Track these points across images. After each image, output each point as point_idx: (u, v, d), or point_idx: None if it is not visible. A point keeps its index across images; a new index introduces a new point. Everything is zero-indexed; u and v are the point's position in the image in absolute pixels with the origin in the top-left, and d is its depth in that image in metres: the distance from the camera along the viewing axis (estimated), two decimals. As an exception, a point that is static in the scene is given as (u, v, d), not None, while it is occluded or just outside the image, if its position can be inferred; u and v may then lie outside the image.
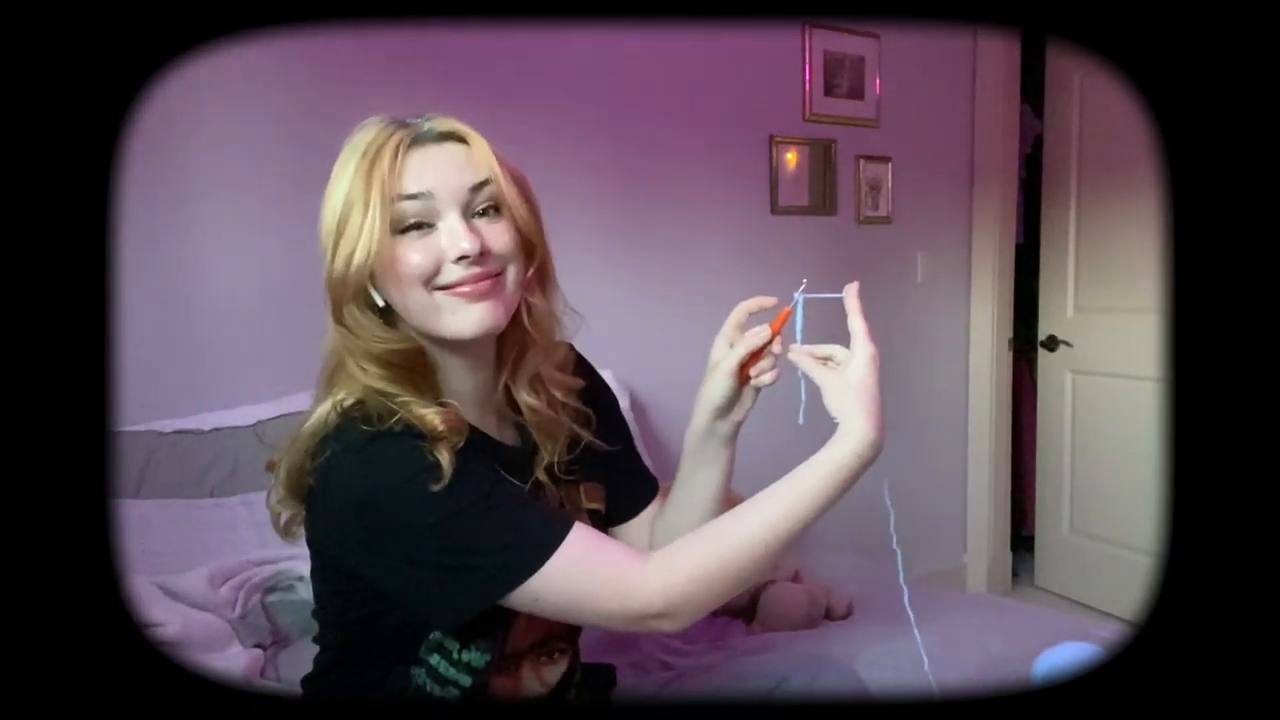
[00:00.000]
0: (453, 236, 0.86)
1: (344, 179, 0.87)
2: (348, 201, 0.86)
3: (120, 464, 1.54)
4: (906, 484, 2.98)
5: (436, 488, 0.82)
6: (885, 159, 2.80)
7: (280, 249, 1.88)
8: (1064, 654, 1.22)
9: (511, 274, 0.91)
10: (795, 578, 1.77)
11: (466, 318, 0.88)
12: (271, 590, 1.47)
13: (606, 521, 1.08)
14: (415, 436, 0.84)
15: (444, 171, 0.88)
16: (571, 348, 1.07)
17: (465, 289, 0.87)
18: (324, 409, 0.89)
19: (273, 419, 1.71)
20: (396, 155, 0.86)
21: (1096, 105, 2.87)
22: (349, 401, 0.88)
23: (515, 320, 0.94)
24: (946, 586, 2.77)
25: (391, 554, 0.85)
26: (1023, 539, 3.31)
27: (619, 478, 1.09)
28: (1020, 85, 3.06)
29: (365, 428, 0.85)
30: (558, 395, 1.00)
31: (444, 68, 2.03)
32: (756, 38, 2.51)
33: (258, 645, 1.38)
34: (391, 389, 0.87)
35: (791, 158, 2.60)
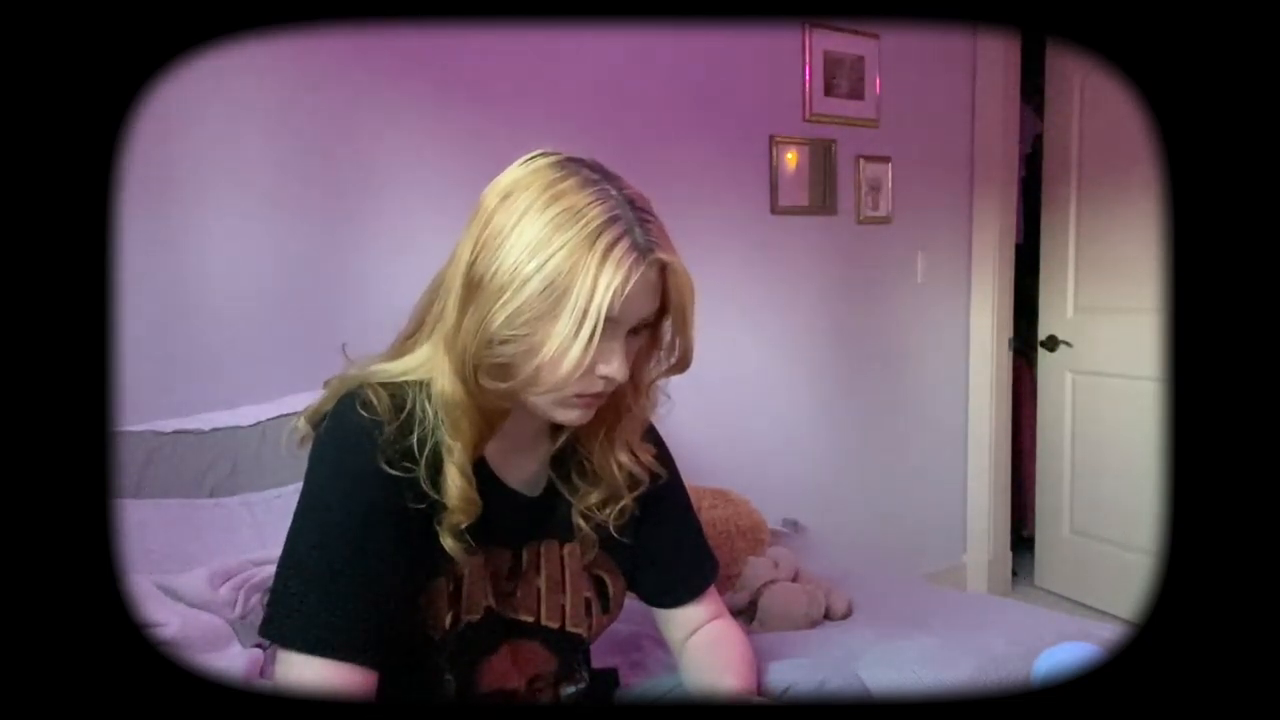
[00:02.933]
0: (609, 360, 0.86)
1: (555, 252, 0.81)
2: (557, 288, 0.81)
3: (120, 464, 1.54)
4: (906, 484, 2.98)
5: (344, 509, 0.84)
6: (885, 159, 2.80)
7: (281, 249, 1.88)
8: (1064, 654, 1.21)
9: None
10: (795, 578, 1.76)
11: (571, 415, 0.90)
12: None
13: (648, 599, 1.10)
14: (385, 458, 0.85)
15: (638, 300, 0.86)
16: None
17: (589, 399, 0.89)
18: (378, 369, 0.91)
19: (273, 419, 1.71)
20: (627, 281, 0.82)
21: (1096, 105, 2.87)
22: (389, 377, 0.90)
23: (619, 391, 0.94)
24: (946, 586, 2.76)
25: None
26: (1023, 539, 3.31)
27: (660, 558, 1.09)
28: (1020, 85, 3.06)
29: (364, 412, 0.86)
30: (629, 462, 1.01)
31: (444, 68, 2.03)
32: (756, 38, 2.51)
33: (258, 645, 1.38)
34: (451, 417, 0.87)
35: (791, 158, 2.60)
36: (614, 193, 0.85)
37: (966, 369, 3.11)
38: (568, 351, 0.81)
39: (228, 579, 1.44)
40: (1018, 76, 3.03)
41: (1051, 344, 3.06)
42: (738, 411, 2.53)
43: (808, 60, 2.59)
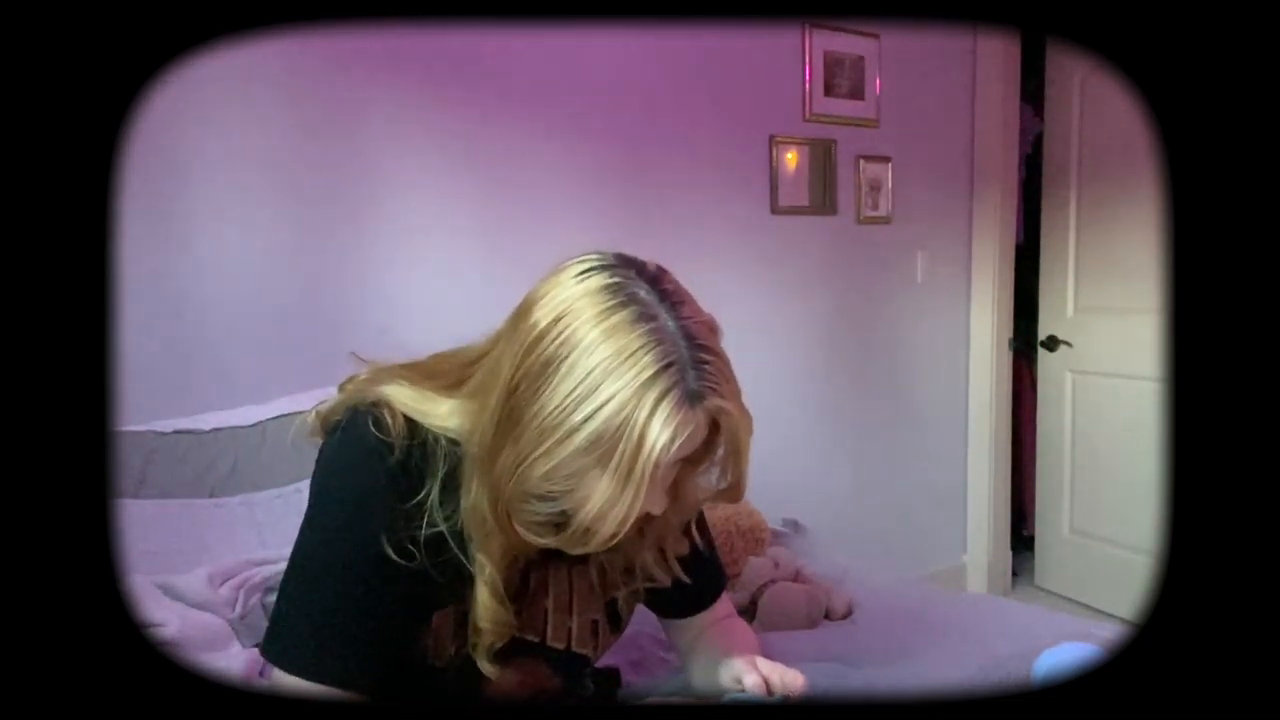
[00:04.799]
0: (652, 500, 0.81)
1: (604, 399, 0.75)
2: (604, 440, 0.75)
3: (120, 464, 1.54)
4: (906, 484, 2.98)
5: (347, 538, 0.83)
6: (885, 159, 2.80)
7: (281, 249, 1.88)
8: (1064, 654, 1.21)
9: None
10: (795, 578, 1.76)
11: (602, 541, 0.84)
12: (271, 590, 1.46)
13: (659, 611, 1.09)
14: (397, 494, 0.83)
15: (690, 443, 0.80)
16: None
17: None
18: (399, 388, 0.86)
19: (273, 419, 1.71)
20: (675, 439, 0.76)
21: (1096, 105, 2.87)
22: (412, 413, 0.85)
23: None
24: (946, 586, 2.76)
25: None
26: (1023, 539, 3.31)
27: (679, 586, 1.04)
28: (1020, 85, 3.06)
29: (377, 432, 0.83)
30: (669, 559, 0.97)
31: (444, 68, 2.03)
32: (756, 38, 2.51)
33: (257, 645, 1.38)
34: (480, 532, 0.84)
35: (791, 158, 2.60)
36: (671, 326, 0.77)
37: (966, 369, 3.11)
38: (610, 512, 0.77)
39: (228, 579, 1.44)
40: (1018, 76, 3.03)
41: (1051, 344, 3.06)
42: (738, 411, 2.52)
43: (808, 60, 2.59)
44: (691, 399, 0.76)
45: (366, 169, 1.96)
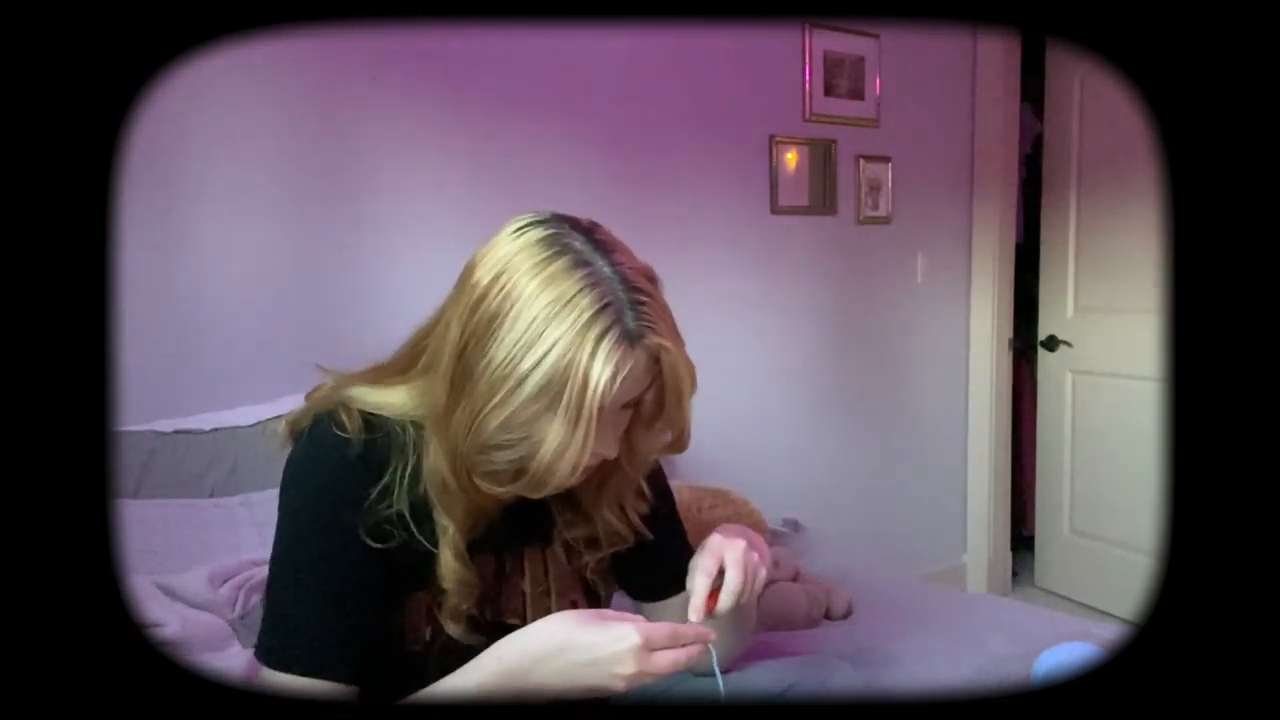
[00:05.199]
0: (603, 442, 0.84)
1: (546, 348, 0.78)
2: (548, 387, 0.79)
3: (120, 464, 1.54)
4: (906, 484, 2.98)
5: (317, 531, 0.85)
6: (885, 159, 2.80)
7: (281, 248, 1.88)
8: (1064, 654, 1.21)
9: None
10: (795, 578, 1.76)
11: (559, 482, 0.87)
12: (271, 590, 1.46)
13: (636, 595, 1.10)
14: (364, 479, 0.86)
15: (631, 385, 0.82)
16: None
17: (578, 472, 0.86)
18: (359, 389, 0.89)
19: (273, 419, 1.71)
20: (615, 378, 0.79)
21: (1096, 105, 2.87)
22: (370, 407, 0.88)
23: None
24: (946, 586, 2.77)
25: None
26: (1023, 539, 3.31)
27: (649, 561, 1.07)
28: (1020, 85, 3.06)
29: (337, 431, 0.86)
30: (631, 516, 0.99)
31: (444, 68, 2.03)
32: (756, 38, 2.51)
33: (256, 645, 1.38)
34: (443, 498, 0.86)
35: (791, 158, 2.60)
36: (606, 271, 0.81)
37: (966, 369, 3.11)
38: (564, 454, 0.80)
39: (228, 579, 1.44)
40: (1018, 76, 3.03)
41: (1051, 344, 3.06)
42: (738, 411, 2.53)
43: (808, 60, 2.59)
44: (630, 338, 0.80)
45: (367, 169, 1.96)
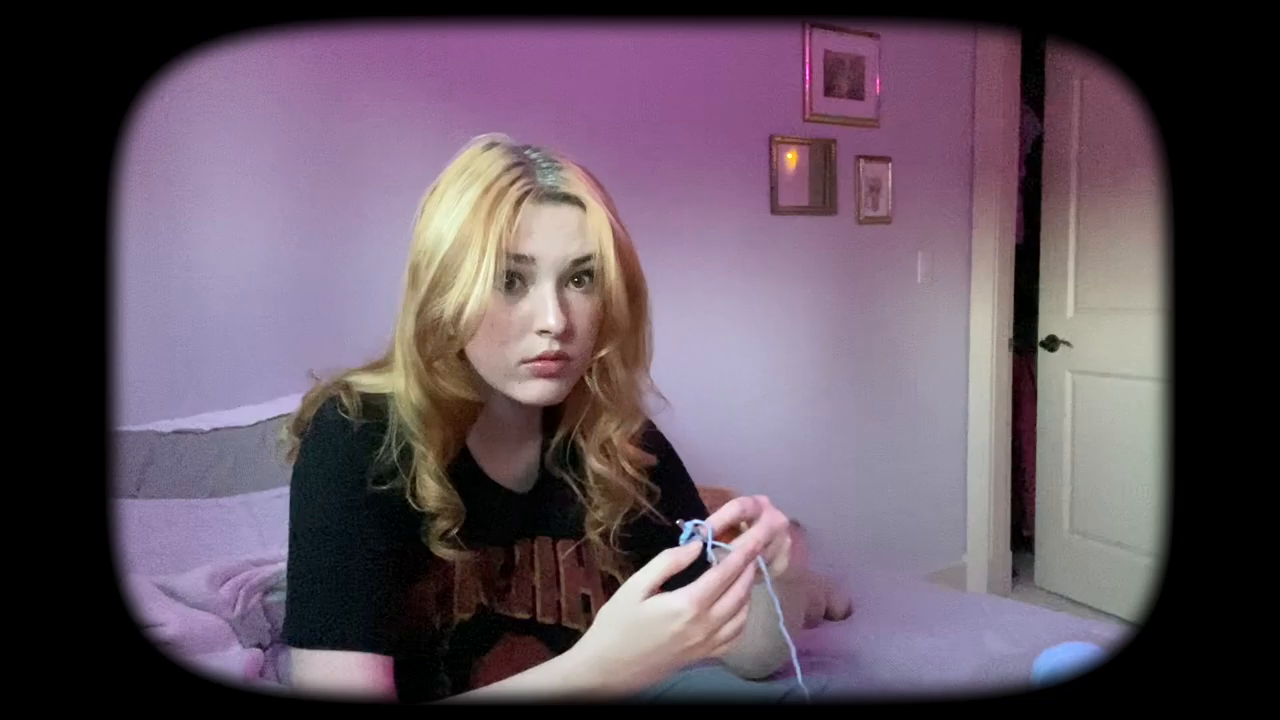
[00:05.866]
0: (542, 308, 0.85)
1: (459, 211, 0.84)
2: (460, 240, 0.83)
3: (120, 464, 1.54)
4: (907, 484, 2.98)
5: (332, 504, 0.86)
6: (885, 159, 2.80)
7: (281, 248, 1.88)
8: (1064, 654, 1.22)
9: (586, 351, 0.90)
10: (795, 578, 1.76)
11: (530, 390, 0.88)
12: (271, 590, 1.46)
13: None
14: (364, 450, 0.87)
15: (553, 237, 0.85)
16: (650, 424, 1.04)
17: (538, 365, 0.87)
18: (355, 376, 0.92)
19: (273, 419, 1.71)
20: (518, 209, 0.83)
21: (1096, 105, 2.87)
22: (365, 387, 0.90)
23: (585, 384, 0.93)
24: (946, 586, 2.77)
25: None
26: (1023, 539, 3.31)
27: (660, 529, 1.03)
28: (1020, 85, 3.06)
29: (342, 414, 0.88)
30: (627, 467, 0.98)
31: (444, 68, 2.03)
32: (756, 38, 2.51)
33: (258, 645, 1.38)
34: (419, 423, 0.88)
35: (791, 158, 2.60)
36: (530, 154, 0.87)
37: (966, 369, 3.11)
38: (472, 290, 0.82)
39: (228, 579, 1.44)
40: (1018, 76, 3.03)
41: (1051, 344, 3.06)
42: (738, 411, 2.53)
43: (808, 60, 2.59)
44: (540, 186, 0.85)
45: (367, 169, 1.96)
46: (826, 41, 2.62)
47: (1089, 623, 1.71)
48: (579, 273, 0.87)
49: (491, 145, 0.89)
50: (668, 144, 2.38)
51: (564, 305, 0.86)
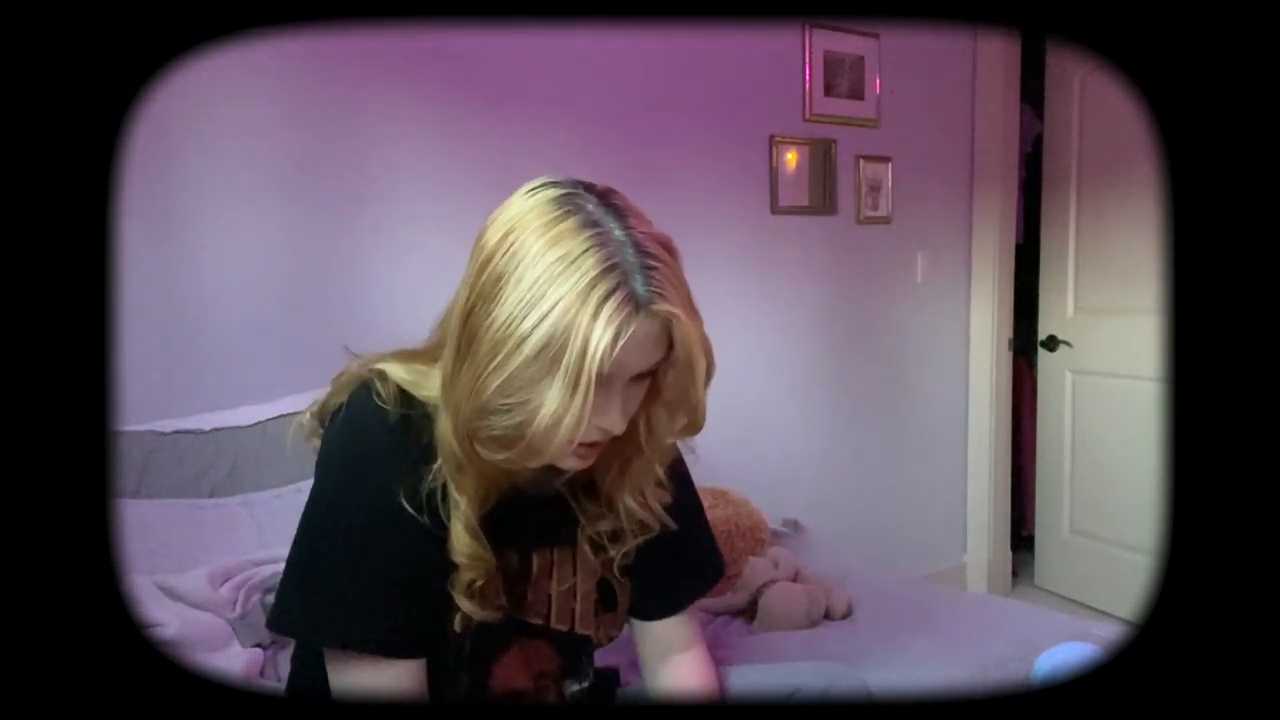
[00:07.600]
0: (606, 413, 0.81)
1: (545, 306, 0.76)
2: (546, 355, 0.77)
3: (120, 464, 1.54)
4: (906, 484, 2.98)
5: (352, 490, 0.85)
6: (885, 159, 2.80)
7: (282, 249, 1.88)
8: (1064, 654, 1.21)
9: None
10: (795, 578, 1.76)
11: (569, 463, 0.87)
12: (271, 590, 1.47)
13: (641, 604, 1.06)
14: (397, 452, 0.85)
15: (635, 352, 0.79)
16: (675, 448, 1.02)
17: (583, 450, 0.85)
18: (390, 366, 0.89)
19: (273, 419, 1.71)
20: (615, 341, 0.76)
21: (1096, 105, 2.87)
22: (402, 380, 0.88)
23: (631, 434, 0.89)
24: (946, 586, 2.77)
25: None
26: (1023, 539, 3.31)
27: (671, 555, 1.04)
28: (1020, 85, 3.05)
29: (378, 402, 0.86)
30: (655, 505, 0.97)
31: (443, 68, 2.03)
32: (756, 38, 2.51)
33: (258, 645, 1.38)
34: (454, 469, 0.85)
35: (791, 158, 2.60)
36: (617, 234, 0.79)
37: (966, 369, 3.11)
38: (561, 420, 0.78)
39: (228, 579, 1.44)
40: (1018, 76, 3.03)
41: (1051, 344, 3.06)
42: (738, 411, 2.53)
43: (808, 60, 2.59)
44: (637, 303, 0.78)
45: (367, 169, 1.96)
46: (826, 41, 2.62)
47: (1089, 623, 1.71)
48: (646, 373, 0.84)
49: (573, 205, 0.80)
50: (668, 144, 2.38)
51: (625, 403, 0.84)
